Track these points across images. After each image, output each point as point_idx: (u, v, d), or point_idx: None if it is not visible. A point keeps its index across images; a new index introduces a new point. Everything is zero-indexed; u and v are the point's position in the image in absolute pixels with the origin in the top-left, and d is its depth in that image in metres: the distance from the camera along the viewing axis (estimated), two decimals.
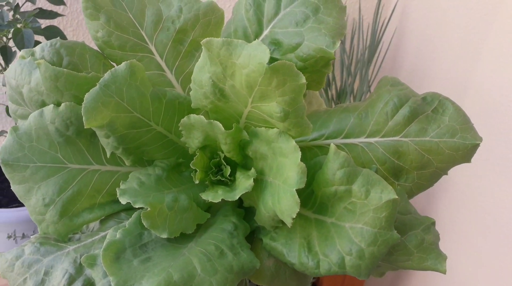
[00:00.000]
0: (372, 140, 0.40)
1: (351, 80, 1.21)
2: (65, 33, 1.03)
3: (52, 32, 0.79)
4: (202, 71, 0.37)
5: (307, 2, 0.43)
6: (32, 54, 0.41)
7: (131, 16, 0.44)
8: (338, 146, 0.41)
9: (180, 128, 0.40)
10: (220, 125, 0.37)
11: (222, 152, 0.41)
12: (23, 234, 0.89)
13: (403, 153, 0.39)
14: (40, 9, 0.80)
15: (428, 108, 0.39)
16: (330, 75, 1.22)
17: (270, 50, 0.45)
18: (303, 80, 0.33)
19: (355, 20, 1.24)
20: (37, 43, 0.80)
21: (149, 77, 0.40)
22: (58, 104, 0.39)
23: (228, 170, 0.40)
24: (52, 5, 0.87)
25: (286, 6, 0.44)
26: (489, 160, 0.91)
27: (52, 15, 0.82)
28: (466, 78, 0.95)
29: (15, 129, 0.39)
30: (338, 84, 1.27)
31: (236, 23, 0.47)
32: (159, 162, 0.41)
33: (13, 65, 0.41)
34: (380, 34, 1.18)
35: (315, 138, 0.43)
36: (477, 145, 0.38)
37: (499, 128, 0.87)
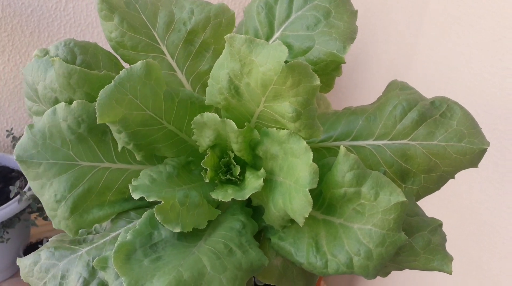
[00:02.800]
0: (380, 142, 0.41)
1: None
2: None
3: None
4: (221, 67, 0.37)
5: (318, 6, 0.44)
6: (47, 53, 0.42)
7: (144, 17, 0.45)
8: (346, 148, 0.42)
9: (192, 126, 0.41)
10: (233, 123, 0.37)
11: (232, 152, 0.41)
12: None
13: (410, 157, 0.39)
14: None
15: (436, 112, 0.40)
16: None
17: None
18: (318, 81, 0.34)
19: None
20: None
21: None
22: (70, 102, 0.40)
23: (237, 170, 0.41)
24: None
25: (298, 9, 0.45)
26: None
27: None
28: (408, 58, 0.98)
29: (30, 127, 0.39)
30: None
31: (247, 25, 0.48)
32: (169, 160, 0.41)
33: (30, 63, 0.41)
34: None
35: (323, 140, 0.44)
36: (485, 150, 0.38)
37: None
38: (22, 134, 1.36)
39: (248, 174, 0.40)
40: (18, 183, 0.97)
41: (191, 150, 0.43)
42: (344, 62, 0.42)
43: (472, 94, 0.81)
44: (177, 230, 0.34)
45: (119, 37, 0.44)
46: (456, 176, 0.41)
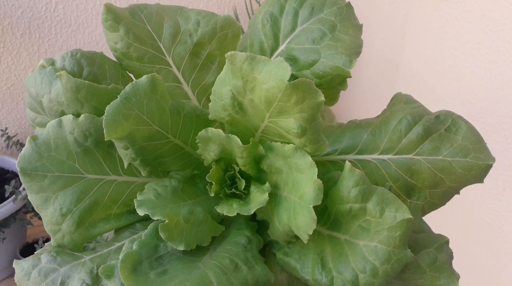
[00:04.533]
0: (385, 157, 0.41)
1: None
2: None
3: None
4: (223, 84, 0.37)
5: (324, 20, 0.44)
6: (52, 63, 0.42)
7: (149, 28, 0.45)
8: (351, 162, 0.42)
9: (197, 141, 0.41)
10: (238, 139, 0.37)
11: (237, 165, 0.41)
12: None
13: (416, 171, 0.39)
14: None
15: (442, 126, 0.40)
16: None
17: None
18: (322, 97, 0.34)
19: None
20: None
21: (166, 89, 0.41)
22: (77, 115, 0.40)
23: (242, 184, 0.41)
24: None
25: (303, 22, 0.45)
26: None
27: None
28: (397, 53, 0.99)
29: (33, 138, 0.39)
30: None
31: (252, 37, 0.48)
32: (175, 173, 0.42)
33: (33, 74, 0.41)
34: None
35: (328, 153, 0.44)
36: (490, 166, 0.38)
37: (429, 98, 0.89)
38: (16, 135, 1.36)
39: (253, 188, 0.40)
40: (13, 182, 0.98)
41: (196, 163, 0.43)
42: (350, 76, 0.42)
43: (461, 87, 0.81)
44: (181, 248, 0.34)
45: (124, 48, 0.44)
46: None
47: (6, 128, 1.14)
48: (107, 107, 0.36)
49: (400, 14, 0.93)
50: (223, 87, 0.37)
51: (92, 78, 0.42)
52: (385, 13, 0.99)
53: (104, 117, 0.36)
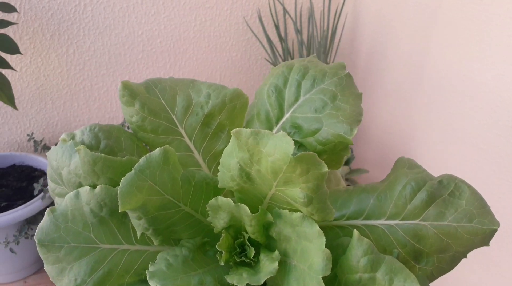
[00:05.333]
0: (392, 222, 0.42)
1: None
2: (21, 41, 1.08)
3: (2, 41, 0.79)
4: (230, 156, 0.39)
5: (325, 90, 0.47)
6: (73, 138, 0.45)
7: (163, 102, 0.48)
8: (359, 228, 0.43)
9: (207, 209, 0.42)
10: (247, 208, 0.39)
11: (246, 233, 0.42)
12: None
13: (422, 237, 0.40)
14: None
15: (445, 191, 0.41)
16: None
17: (291, 133, 0.48)
18: (325, 168, 0.36)
19: (309, 9, 1.30)
20: None
21: (179, 157, 0.43)
22: (93, 186, 0.42)
23: (252, 251, 0.42)
24: (5, 13, 0.86)
25: (306, 93, 0.48)
26: (450, 133, 0.91)
27: (4, 24, 0.82)
28: (422, 57, 0.97)
29: (52, 210, 0.41)
30: None
31: (259, 107, 0.51)
32: (185, 241, 0.43)
33: (55, 148, 0.44)
34: (335, 21, 1.21)
35: (336, 218, 0.45)
36: (495, 230, 0.39)
37: (454, 102, 0.87)
38: (44, 138, 1.27)
39: (263, 256, 0.40)
40: (41, 181, 1.00)
41: (206, 230, 0.44)
42: (352, 144, 0.44)
43: (488, 91, 0.77)
44: None
45: (139, 121, 0.47)
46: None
47: (32, 133, 1.17)
48: (122, 180, 0.38)
49: (426, 17, 0.91)
50: (231, 159, 0.39)
51: (109, 150, 0.45)
52: (410, 16, 0.98)
53: (119, 189, 0.38)
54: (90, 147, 0.44)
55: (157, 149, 0.40)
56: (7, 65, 0.87)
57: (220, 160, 0.41)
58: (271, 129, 0.50)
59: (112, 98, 1.26)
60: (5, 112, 1.16)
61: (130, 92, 0.47)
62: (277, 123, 0.49)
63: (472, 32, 0.79)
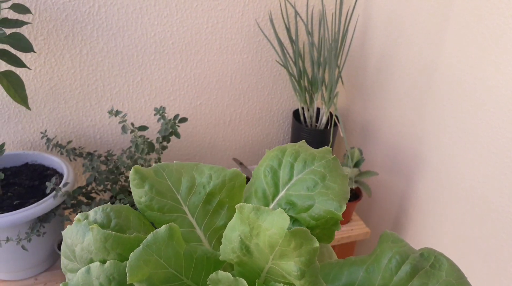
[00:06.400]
0: None
1: (322, 70, 1.24)
2: (36, 42, 1.09)
3: (16, 39, 0.81)
4: (233, 230, 0.43)
5: (315, 171, 0.52)
6: (87, 217, 0.50)
7: (170, 183, 0.54)
8: None
9: (208, 283, 0.45)
10: (245, 282, 0.42)
11: None
12: (7, 237, 0.93)
13: None
14: (5, 17, 0.81)
15: (426, 263, 0.44)
16: (301, 67, 1.29)
17: (286, 209, 0.53)
18: (317, 244, 0.40)
19: (321, 12, 1.29)
20: (1, 51, 0.81)
21: (182, 233, 0.47)
22: (103, 261, 0.46)
23: None
24: (18, 14, 0.87)
25: (298, 173, 0.54)
26: (461, 137, 0.89)
27: (18, 23, 0.84)
28: (433, 59, 0.96)
29: (64, 285, 0.44)
30: (310, 75, 1.30)
31: (256, 185, 0.56)
32: None
33: (70, 227, 0.49)
34: (346, 23, 1.20)
35: None
36: None
37: (466, 106, 0.85)
38: (56, 136, 1.29)
39: None
40: (53, 179, 0.99)
41: None
42: (342, 219, 0.48)
43: (500, 95, 0.77)
44: None
45: (148, 201, 0.52)
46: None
47: (46, 130, 1.15)
48: (131, 254, 0.42)
49: (438, 20, 0.90)
50: (233, 232, 0.43)
51: (119, 228, 0.49)
52: (422, 19, 0.96)
53: (128, 262, 0.42)
54: (102, 226, 0.48)
55: (163, 226, 0.45)
56: (21, 64, 0.88)
57: (224, 232, 0.45)
58: (267, 205, 0.55)
59: (124, 98, 1.26)
60: (19, 111, 1.17)
61: (140, 176, 0.53)
62: (273, 200, 0.54)
63: (485, 35, 0.78)
